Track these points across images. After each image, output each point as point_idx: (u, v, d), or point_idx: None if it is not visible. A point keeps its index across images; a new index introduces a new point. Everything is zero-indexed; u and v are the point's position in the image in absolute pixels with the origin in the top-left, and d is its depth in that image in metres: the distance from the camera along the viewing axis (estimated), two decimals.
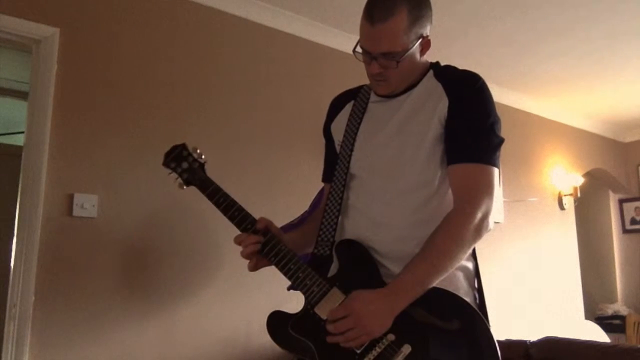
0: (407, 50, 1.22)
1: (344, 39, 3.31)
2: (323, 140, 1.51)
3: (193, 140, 1.38)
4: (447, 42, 3.46)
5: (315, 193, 2.62)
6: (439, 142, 1.24)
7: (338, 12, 3.12)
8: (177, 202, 2.60)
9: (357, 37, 1.26)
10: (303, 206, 2.66)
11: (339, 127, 1.42)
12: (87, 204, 2.34)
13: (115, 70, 2.54)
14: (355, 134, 1.35)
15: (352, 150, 1.34)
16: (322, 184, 1.53)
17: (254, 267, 1.27)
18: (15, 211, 2.25)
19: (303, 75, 3.23)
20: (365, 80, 1.38)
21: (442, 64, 1.36)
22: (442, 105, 1.24)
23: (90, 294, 2.32)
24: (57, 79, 2.35)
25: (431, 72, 1.32)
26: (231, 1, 2.94)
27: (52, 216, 2.27)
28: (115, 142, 2.48)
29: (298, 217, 2.59)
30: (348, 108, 1.43)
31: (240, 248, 1.25)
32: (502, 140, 1.24)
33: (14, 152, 2.98)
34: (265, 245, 1.24)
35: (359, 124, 1.36)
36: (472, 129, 1.22)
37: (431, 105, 1.26)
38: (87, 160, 2.39)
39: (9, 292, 2.18)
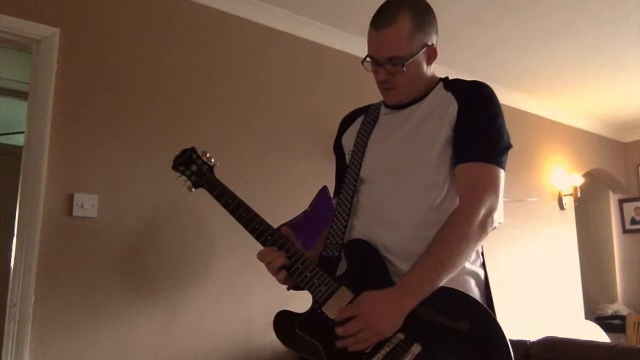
0: (412, 55, 1.26)
1: (343, 39, 3.29)
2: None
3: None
4: (447, 42, 3.45)
5: (314, 193, 2.63)
6: (449, 145, 1.26)
7: (337, 12, 3.12)
8: (177, 203, 2.60)
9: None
10: (302, 206, 2.66)
11: (349, 139, 1.44)
12: (87, 204, 2.34)
13: (115, 70, 2.54)
14: (366, 142, 1.37)
15: (362, 157, 1.36)
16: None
17: (284, 281, 1.27)
18: (15, 211, 2.25)
19: (301, 75, 3.23)
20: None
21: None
22: (452, 109, 1.27)
23: (90, 293, 2.32)
24: (57, 79, 2.35)
25: (441, 84, 1.35)
26: (230, 1, 2.94)
27: (52, 216, 2.27)
28: (115, 142, 2.48)
29: (297, 217, 2.59)
30: (358, 122, 1.45)
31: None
32: (509, 145, 1.26)
33: (14, 152, 2.98)
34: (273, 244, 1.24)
35: (370, 133, 1.38)
36: (480, 130, 1.24)
37: (442, 111, 1.28)
38: (87, 160, 2.39)
39: (9, 292, 2.18)
